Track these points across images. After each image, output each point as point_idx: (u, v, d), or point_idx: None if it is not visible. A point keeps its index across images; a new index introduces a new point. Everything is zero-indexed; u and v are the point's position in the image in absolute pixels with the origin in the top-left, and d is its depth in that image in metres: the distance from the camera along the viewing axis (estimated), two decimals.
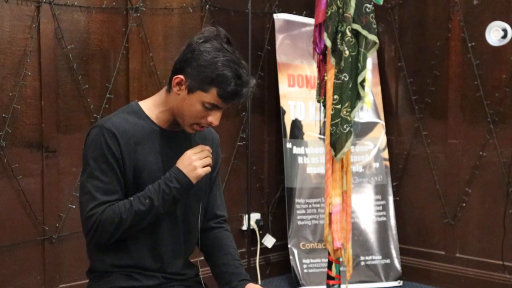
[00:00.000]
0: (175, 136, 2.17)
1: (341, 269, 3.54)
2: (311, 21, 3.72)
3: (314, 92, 3.95)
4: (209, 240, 2.29)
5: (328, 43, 3.34)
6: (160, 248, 2.16)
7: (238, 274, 2.21)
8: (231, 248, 2.28)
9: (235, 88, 2.04)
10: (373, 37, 3.34)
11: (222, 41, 2.08)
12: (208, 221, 2.30)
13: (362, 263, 4.31)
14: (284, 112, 4.36)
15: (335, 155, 3.35)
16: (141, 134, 2.12)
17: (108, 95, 3.63)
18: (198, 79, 2.05)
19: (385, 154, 4.48)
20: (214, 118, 2.10)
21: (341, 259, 3.48)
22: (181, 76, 2.07)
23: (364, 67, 3.34)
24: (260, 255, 4.34)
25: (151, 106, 2.17)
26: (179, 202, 2.11)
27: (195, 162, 2.08)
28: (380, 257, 4.34)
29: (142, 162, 2.11)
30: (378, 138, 4.46)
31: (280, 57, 4.37)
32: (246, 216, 4.19)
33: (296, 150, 4.36)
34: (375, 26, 3.36)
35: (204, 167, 2.09)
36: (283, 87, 4.37)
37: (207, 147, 2.13)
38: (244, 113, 4.25)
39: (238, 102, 2.10)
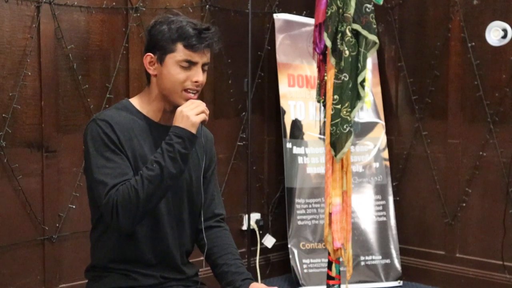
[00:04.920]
0: (169, 130, 2.17)
1: (341, 269, 3.54)
2: (311, 21, 3.72)
3: (314, 92, 3.95)
4: (208, 239, 2.28)
5: (328, 43, 3.34)
6: (161, 239, 2.16)
7: (241, 273, 2.20)
8: (232, 247, 2.28)
9: (195, 32, 2.10)
10: (373, 37, 3.34)
11: (174, 14, 2.18)
12: (207, 220, 2.30)
13: (362, 263, 4.31)
14: (284, 112, 4.36)
15: (335, 155, 3.35)
16: (134, 128, 2.14)
17: (108, 95, 3.63)
18: (161, 45, 2.12)
19: (385, 154, 4.48)
20: (197, 75, 2.12)
21: (341, 259, 3.48)
22: (149, 54, 2.15)
23: (364, 67, 3.34)
24: (260, 255, 4.34)
25: (141, 102, 2.21)
26: (187, 158, 2.08)
27: (186, 112, 2.07)
28: (380, 257, 4.34)
29: (138, 153, 2.12)
30: (378, 138, 4.46)
31: (280, 57, 4.37)
32: (246, 216, 4.19)
33: (296, 150, 4.36)
34: (375, 26, 3.36)
35: (198, 114, 2.08)
36: (283, 87, 4.37)
37: (198, 100, 2.13)
38: (244, 113, 4.25)
39: (206, 48, 2.12)
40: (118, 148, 2.08)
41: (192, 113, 2.07)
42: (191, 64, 2.11)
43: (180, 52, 2.10)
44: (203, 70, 2.14)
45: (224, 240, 2.29)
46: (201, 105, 2.10)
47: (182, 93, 2.12)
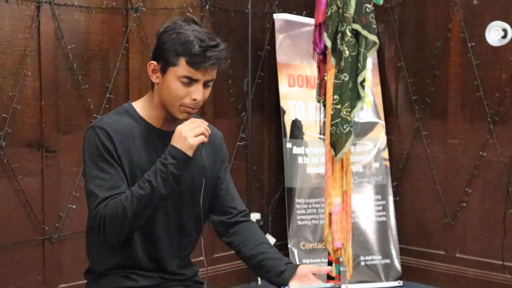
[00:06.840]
0: (171, 136, 2.14)
1: (341, 269, 3.54)
2: (311, 21, 3.72)
3: (314, 92, 3.95)
4: (239, 234, 2.27)
5: (328, 43, 3.34)
6: (155, 247, 2.15)
7: (281, 258, 2.21)
8: (264, 238, 2.29)
9: (200, 50, 2.01)
10: (373, 37, 3.34)
11: (187, 21, 2.10)
12: (234, 216, 2.28)
13: (362, 263, 4.31)
14: (284, 112, 4.36)
15: (335, 155, 3.35)
16: (135, 134, 2.11)
17: (108, 95, 3.63)
18: (165, 56, 2.06)
19: (385, 154, 4.47)
20: (196, 93, 2.05)
21: (341, 259, 3.48)
22: (153, 62, 2.09)
23: (364, 67, 3.34)
24: None
25: (143, 106, 2.17)
26: (181, 180, 2.05)
27: (185, 133, 2.02)
28: (380, 257, 4.34)
29: (137, 161, 2.09)
30: (378, 138, 4.46)
31: (280, 57, 4.37)
32: None
33: (296, 150, 4.36)
34: (375, 26, 3.36)
35: (196, 136, 2.03)
36: (283, 87, 4.36)
37: (200, 119, 2.08)
38: (244, 113, 4.25)
39: (210, 67, 2.04)
40: (114, 158, 2.06)
41: (190, 134, 2.01)
42: (192, 81, 2.05)
43: (182, 68, 2.04)
44: (207, 86, 2.09)
45: (255, 232, 2.29)
46: (201, 126, 2.04)
47: (181, 107, 2.08)
